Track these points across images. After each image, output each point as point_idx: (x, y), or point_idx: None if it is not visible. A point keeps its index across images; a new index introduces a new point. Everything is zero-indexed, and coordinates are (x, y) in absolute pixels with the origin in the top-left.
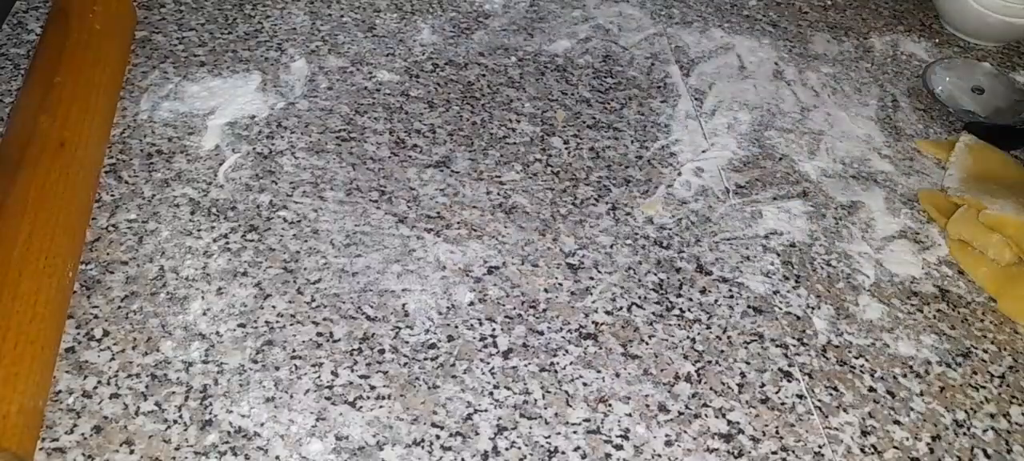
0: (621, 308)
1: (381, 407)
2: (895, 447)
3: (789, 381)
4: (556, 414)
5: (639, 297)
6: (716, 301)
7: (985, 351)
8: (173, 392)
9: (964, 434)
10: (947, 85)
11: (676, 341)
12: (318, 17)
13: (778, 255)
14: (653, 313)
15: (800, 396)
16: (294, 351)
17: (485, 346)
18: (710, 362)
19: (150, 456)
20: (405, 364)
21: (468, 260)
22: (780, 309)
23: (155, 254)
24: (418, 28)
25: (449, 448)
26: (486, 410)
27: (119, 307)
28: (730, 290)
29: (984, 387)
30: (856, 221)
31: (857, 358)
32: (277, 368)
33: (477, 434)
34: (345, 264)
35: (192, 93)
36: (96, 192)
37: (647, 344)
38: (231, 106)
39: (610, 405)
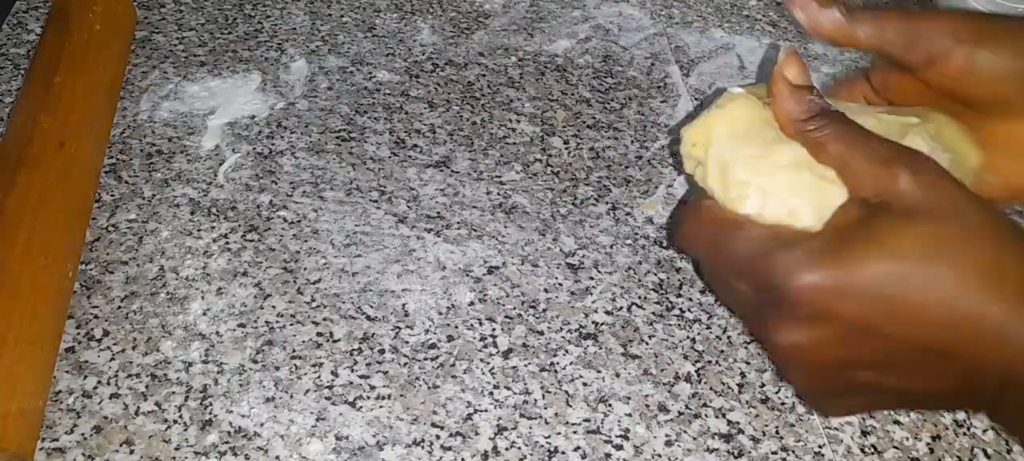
0: (621, 308)
1: (381, 407)
2: (895, 447)
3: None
4: (556, 414)
5: (639, 297)
6: (716, 301)
7: None
8: (173, 392)
9: (964, 434)
10: None
11: (676, 341)
12: (318, 17)
13: None
14: (653, 313)
15: (800, 396)
16: (294, 351)
17: (485, 346)
18: (710, 362)
19: (150, 456)
20: (405, 364)
21: (468, 260)
22: None
23: (155, 254)
24: (418, 28)
25: (449, 448)
26: (486, 410)
27: (119, 307)
28: None
29: None
30: None
31: None
32: (277, 368)
33: (477, 434)
34: (345, 264)
35: (192, 93)
36: (96, 192)
37: (647, 344)
38: (231, 106)
39: (610, 405)
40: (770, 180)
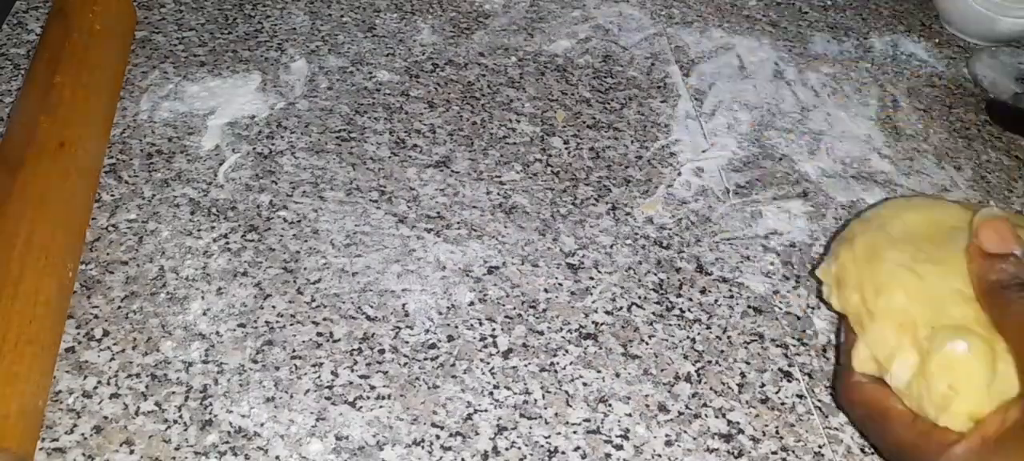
0: (621, 308)
1: (381, 407)
2: None
3: (789, 381)
4: (556, 414)
5: (639, 297)
6: (716, 301)
7: None
8: (173, 392)
9: None
10: (988, 72)
11: (676, 341)
12: (318, 17)
13: (778, 255)
14: (653, 313)
15: (800, 396)
16: (294, 351)
17: (485, 346)
18: (710, 362)
19: (150, 456)
20: (405, 364)
21: (468, 260)
22: (780, 309)
23: (155, 254)
24: (418, 28)
25: (449, 448)
26: (486, 410)
27: (119, 307)
28: (730, 290)
29: None
30: None
31: None
32: (277, 368)
33: (477, 434)
34: (345, 264)
35: (192, 93)
36: (96, 192)
37: (647, 344)
38: (231, 106)
39: (610, 405)
40: (930, 349)
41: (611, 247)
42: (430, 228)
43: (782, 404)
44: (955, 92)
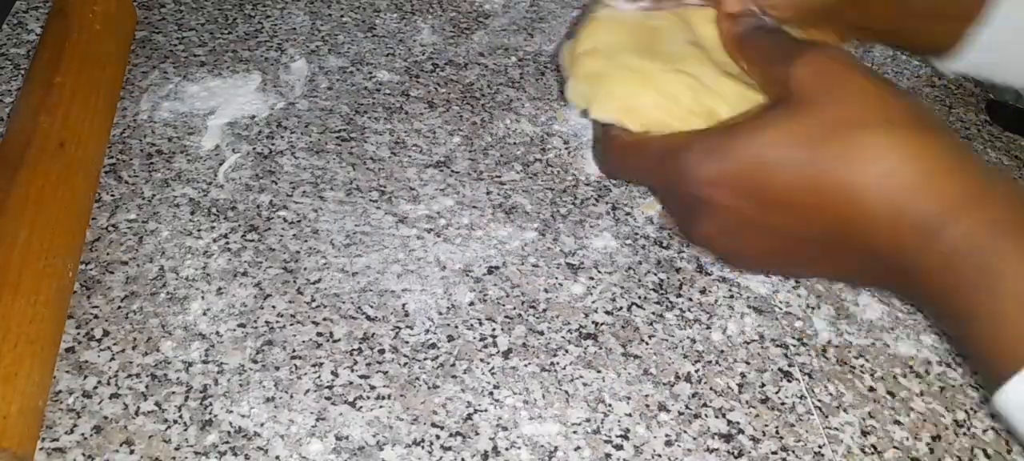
0: (621, 308)
1: (381, 407)
2: (895, 447)
3: (789, 381)
4: (556, 414)
5: (639, 297)
6: (716, 301)
7: None
8: (173, 392)
9: (964, 434)
10: None
11: (676, 341)
12: (318, 17)
13: None
14: (653, 313)
15: (800, 396)
16: (294, 351)
17: (485, 346)
18: (710, 362)
19: (150, 456)
20: (405, 364)
21: (468, 260)
22: (780, 309)
23: (155, 254)
24: (418, 28)
25: (449, 448)
26: (486, 410)
27: (119, 307)
28: (730, 290)
29: (984, 387)
30: None
31: (857, 358)
32: (277, 368)
33: (477, 434)
34: (345, 264)
35: (192, 93)
36: (96, 192)
37: (647, 344)
38: (231, 106)
39: (610, 405)
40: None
41: (611, 247)
42: (430, 228)
43: (782, 404)
44: (955, 92)
